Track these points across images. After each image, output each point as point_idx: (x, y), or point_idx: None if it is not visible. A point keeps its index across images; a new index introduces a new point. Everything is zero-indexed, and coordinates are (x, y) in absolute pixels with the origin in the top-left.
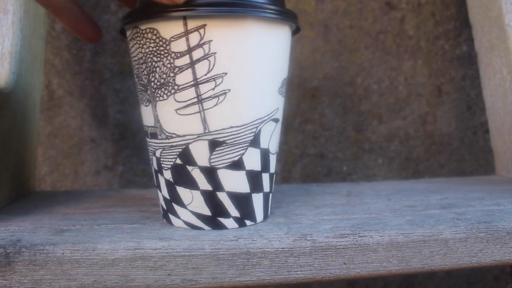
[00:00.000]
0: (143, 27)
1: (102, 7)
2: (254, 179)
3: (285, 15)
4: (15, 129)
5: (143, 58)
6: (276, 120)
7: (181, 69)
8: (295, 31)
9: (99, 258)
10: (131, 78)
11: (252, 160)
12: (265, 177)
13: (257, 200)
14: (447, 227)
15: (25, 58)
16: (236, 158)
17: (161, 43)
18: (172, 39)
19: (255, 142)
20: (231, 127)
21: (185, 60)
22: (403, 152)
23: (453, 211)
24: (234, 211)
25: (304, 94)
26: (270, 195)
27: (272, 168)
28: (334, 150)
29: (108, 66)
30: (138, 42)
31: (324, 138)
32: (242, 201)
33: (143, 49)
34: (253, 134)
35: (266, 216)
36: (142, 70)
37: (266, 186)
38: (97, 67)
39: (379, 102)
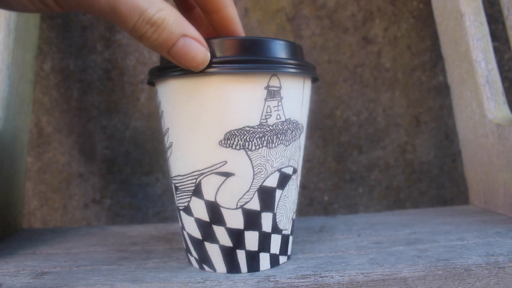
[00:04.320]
0: None
1: (89, 48)
2: (204, 228)
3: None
4: (2, 170)
5: None
6: (224, 174)
7: (161, 122)
8: (315, 79)
9: None
10: (117, 115)
11: (198, 209)
12: (219, 230)
13: (213, 250)
14: (407, 265)
15: (13, 103)
16: (186, 204)
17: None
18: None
19: (197, 192)
20: (178, 175)
21: (159, 115)
22: (384, 181)
23: (416, 248)
24: (193, 252)
25: None
26: (240, 252)
27: (234, 224)
28: (315, 181)
29: (95, 104)
30: None
31: (305, 169)
32: (197, 246)
33: None
34: (193, 184)
35: (234, 270)
36: None
37: (224, 240)
38: (84, 105)
39: (358, 133)
